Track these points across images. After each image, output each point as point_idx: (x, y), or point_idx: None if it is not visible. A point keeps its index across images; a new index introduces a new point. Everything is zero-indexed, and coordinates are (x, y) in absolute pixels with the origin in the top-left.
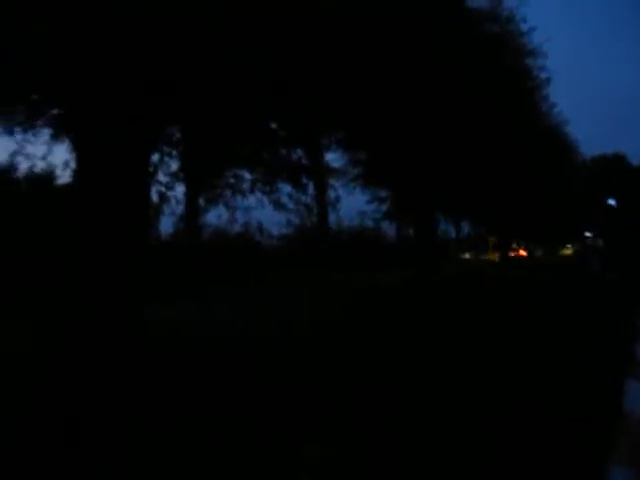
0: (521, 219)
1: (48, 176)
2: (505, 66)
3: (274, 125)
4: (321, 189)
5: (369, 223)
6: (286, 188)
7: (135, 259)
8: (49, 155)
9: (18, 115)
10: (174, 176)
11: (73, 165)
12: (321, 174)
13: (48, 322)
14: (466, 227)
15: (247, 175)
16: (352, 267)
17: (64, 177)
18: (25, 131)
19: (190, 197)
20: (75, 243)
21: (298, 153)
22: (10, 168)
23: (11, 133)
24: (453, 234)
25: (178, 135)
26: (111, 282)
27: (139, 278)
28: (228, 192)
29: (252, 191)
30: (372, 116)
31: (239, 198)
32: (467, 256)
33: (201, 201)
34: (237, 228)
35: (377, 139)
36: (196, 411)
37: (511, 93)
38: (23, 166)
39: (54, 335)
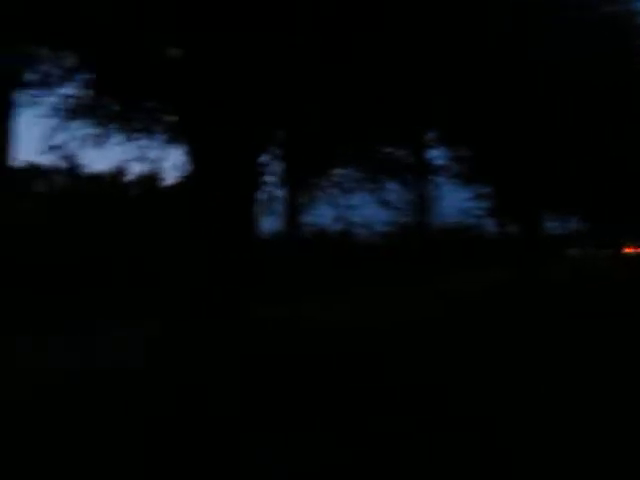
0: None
1: (154, 179)
2: (620, 48)
3: (379, 124)
4: (422, 186)
5: (471, 220)
6: (389, 186)
7: (245, 257)
8: (164, 159)
9: (136, 122)
10: (278, 176)
11: (179, 167)
12: (424, 171)
13: (166, 322)
14: (573, 222)
15: (348, 174)
16: (452, 264)
17: (166, 180)
18: (142, 138)
19: (292, 196)
20: (184, 242)
21: (403, 151)
22: (119, 173)
23: (130, 139)
24: (559, 230)
25: (283, 136)
26: (223, 280)
27: (249, 276)
28: (333, 191)
29: (357, 189)
30: (476, 112)
31: (343, 196)
32: (574, 252)
33: (302, 200)
34: (338, 226)
35: (480, 135)
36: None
37: (624, 77)
38: (134, 170)
39: (170, 336)
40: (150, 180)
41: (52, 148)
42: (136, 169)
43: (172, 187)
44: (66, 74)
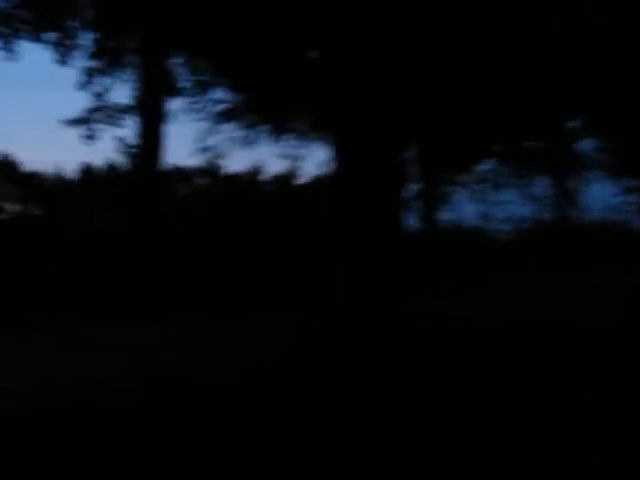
0: None
1: (290, 177)
2: None
3: (523, 117)
4: (568, 180)
5: (618, 215)
6: (534, 180)
7: (389, 253)
8: (305, 157)
9: (282, 123)
10: (417, 172)
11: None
12: (570, 164)
13: (305, 318)
14: None
15: (492, 169)
16: (596, 261)
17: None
18: (286, 137)
19: (429, 192)
20: (324, 239)
21: (549, 144)
22: (256, 172)
23: (275, 140)
24: None
25: (424, 132)
26: (369, 275)
27: (393, 272)
28: (474, 186)
29: (501, 185)
30: (625, 100)
31: (484, 192)
32: None
33: (440, 196)
34: (477, 222)
35: (631, 124)
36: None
37: None
38: (271, 169)
39: (316, 332)
40: (286, 178)
41: (201, 150)
42: (273, 168)
43: (308, 185)
44: (214, 80)
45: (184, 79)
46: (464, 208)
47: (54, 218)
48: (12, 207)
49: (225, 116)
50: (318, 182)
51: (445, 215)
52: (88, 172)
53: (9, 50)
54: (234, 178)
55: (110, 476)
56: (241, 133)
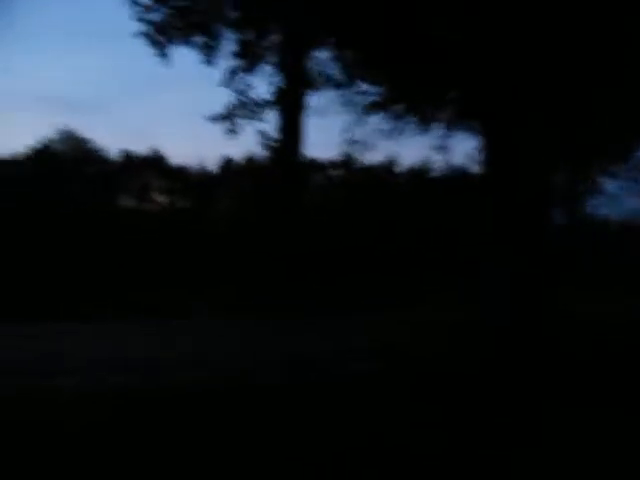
0: None
1: (424, 169)
2: None
3: None
4: None
5: None
6: None
7: (546, 247)
8: (453, 148)
9: (428, 114)
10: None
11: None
12: None
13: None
14: None
15: None
16: None
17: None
18: (433, 128)
19: (578, 183)
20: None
21: None
22: (391, 163)
23: (422, 131)
24: None
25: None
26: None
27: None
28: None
29: None
30: None
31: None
32: None
33: (587, 188)
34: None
35: None
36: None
37: None
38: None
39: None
40: (423, 170)
41: (347, 143)
42: (407, 159)
43: (446, 176)
44: (360, 72)
45: (328, 73)
46: (618, 200)
47: (198, 210)
48: (161, 199)
49: (372, 108)
50: (456, 173)
51: (596, 208)
52: (229, 165)
53: (163, 55)
54: (369, 170)
55: None
56: (388, 125)
